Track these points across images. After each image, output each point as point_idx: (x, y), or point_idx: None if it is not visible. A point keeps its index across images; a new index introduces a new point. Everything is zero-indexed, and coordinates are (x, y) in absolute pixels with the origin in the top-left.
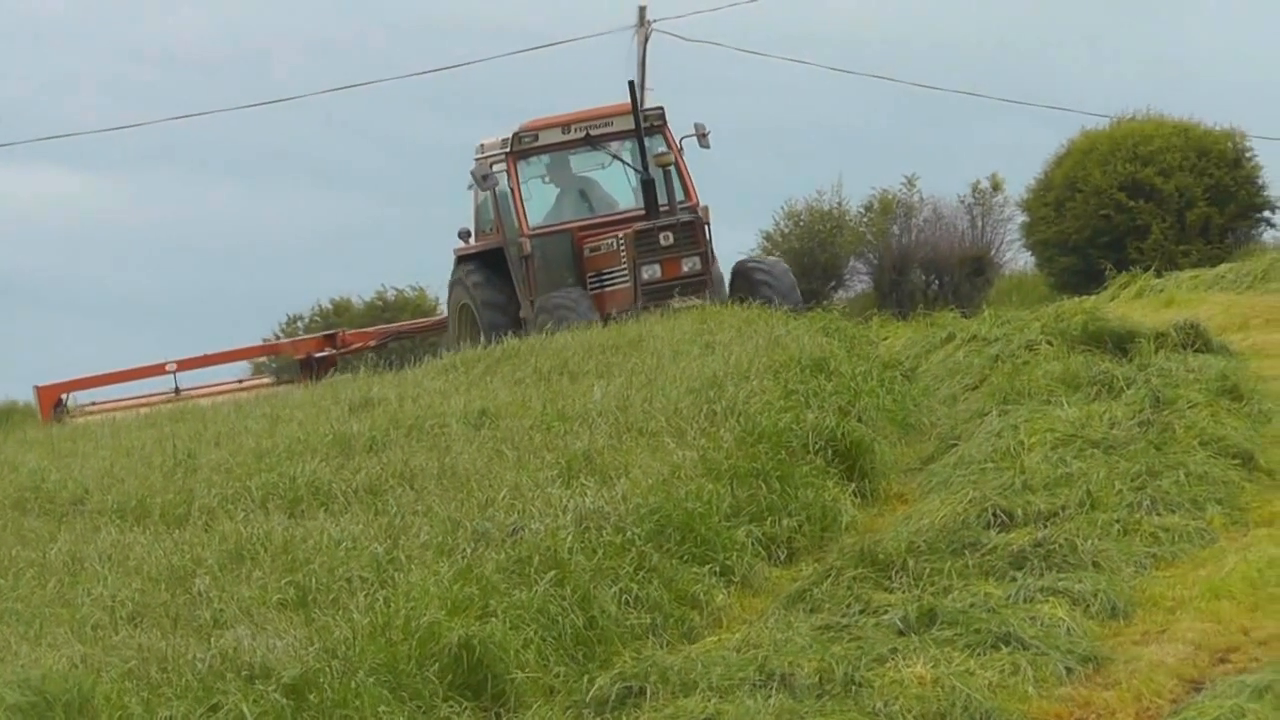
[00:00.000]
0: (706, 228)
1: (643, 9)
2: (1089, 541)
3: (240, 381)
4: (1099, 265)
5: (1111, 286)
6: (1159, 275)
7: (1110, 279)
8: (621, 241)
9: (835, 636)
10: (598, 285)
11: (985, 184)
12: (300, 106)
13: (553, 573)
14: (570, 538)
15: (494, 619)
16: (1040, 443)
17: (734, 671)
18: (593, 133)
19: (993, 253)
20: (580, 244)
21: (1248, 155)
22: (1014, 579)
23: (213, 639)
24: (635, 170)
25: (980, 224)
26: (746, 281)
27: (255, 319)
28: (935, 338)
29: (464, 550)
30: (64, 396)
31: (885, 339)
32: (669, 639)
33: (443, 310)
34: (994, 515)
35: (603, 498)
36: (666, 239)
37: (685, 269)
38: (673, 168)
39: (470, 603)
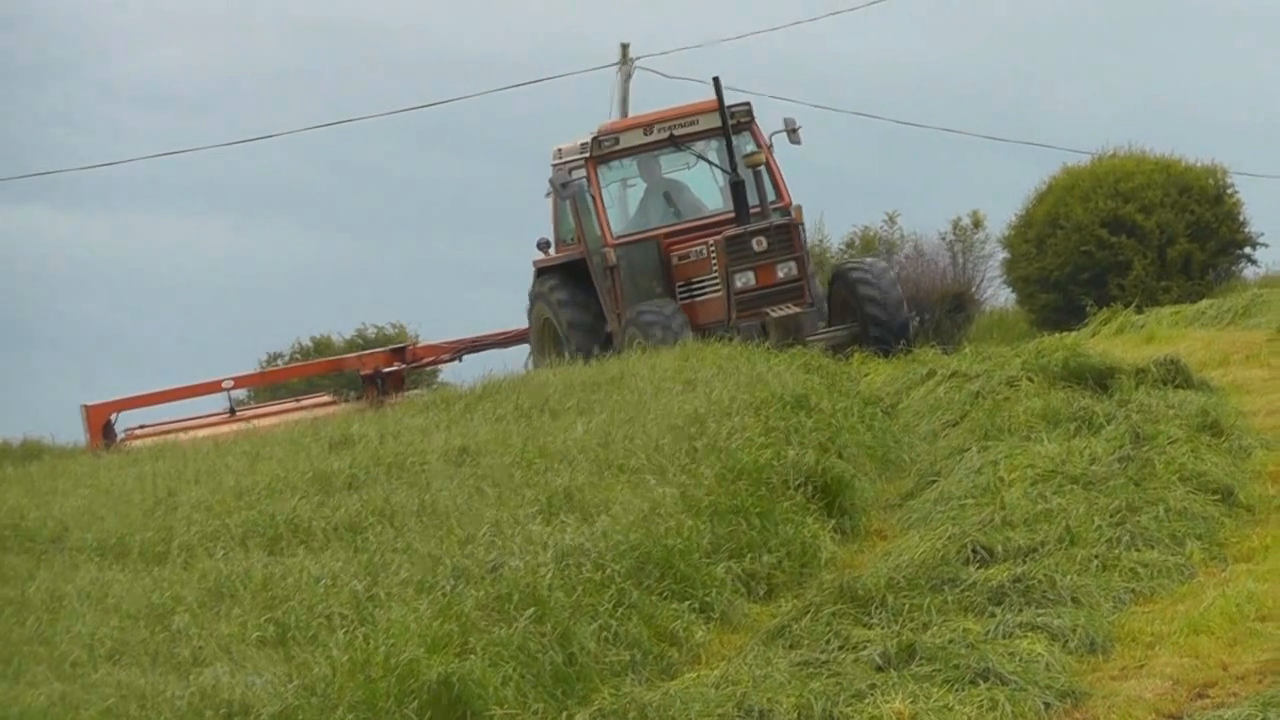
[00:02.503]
0: (801, 230)
1: (625, 46)
2: (1068, 577)
3: (299, 400)
4: (1080, 301)
5: (1092, 323)
6: (1140, 311)
7: (1091, 315)
8: (712, 248)
9: (814, 673)
10: (688, 296)
11: (966, 221)
12: (283, 143)
13: (532, 610)
14: (550, 574)
15: (473, 656)
16: (1020, 479)
17: (713, 708)
18: (676, 133)
19: (974, 289)
20: (668, 252)
21: (1229, 192)
22: (993, 614)
23: (192, 676)
24: (724, 171)
25: (961, 260)
26: (847, 287)
27: (236, 356)
28: (916, 374)
29: (444, 587)
30: (113, 417)
31: (866, 375)
32: (648, 676)
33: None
34: (973, 551)
35: (583, 534)
36: (760, 244)
37: (781, 275)
38: (763, 167)
39: (450, 640)
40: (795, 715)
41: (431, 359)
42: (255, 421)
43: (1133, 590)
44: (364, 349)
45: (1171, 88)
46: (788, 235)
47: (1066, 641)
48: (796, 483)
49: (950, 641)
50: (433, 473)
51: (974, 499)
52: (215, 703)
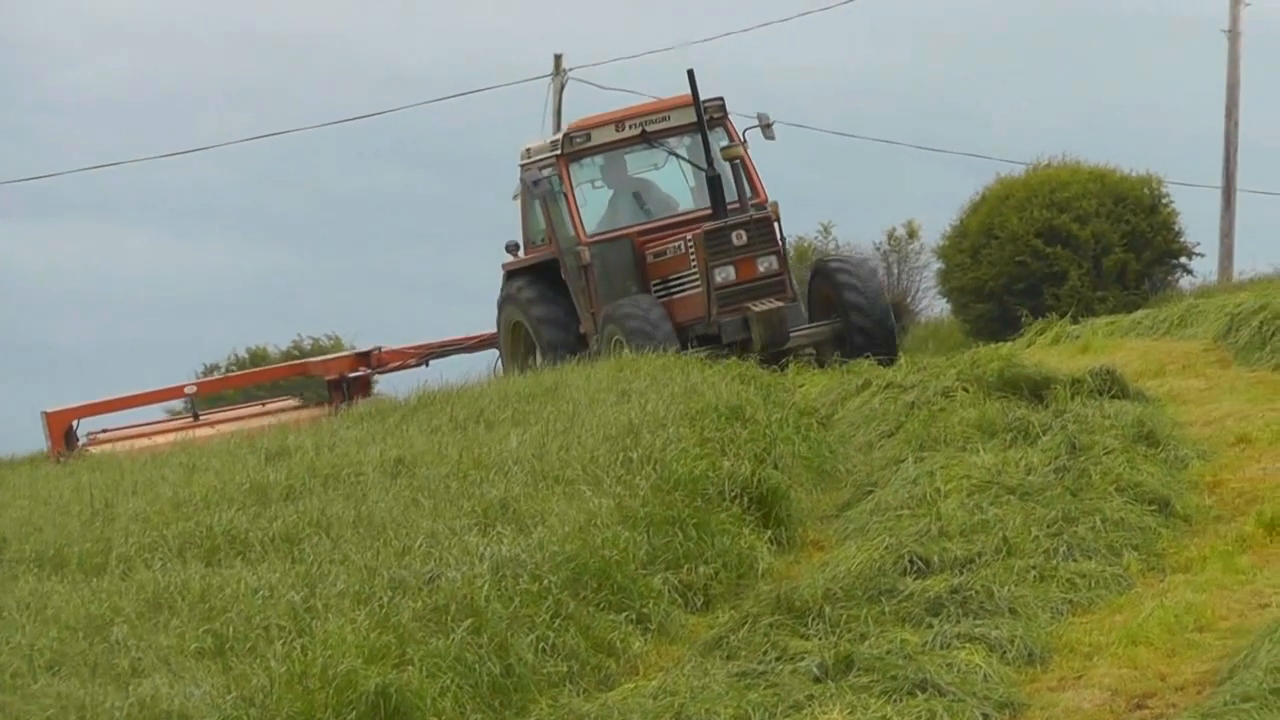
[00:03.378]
0: (778, 225)
1: (558, 57)
2: (1005, 588)
3: (264, 405)
4: (1015, 312)
5: (1028, 333)
6: (1075, 321)
7: (1026, 325)
8: (690, 243)
9: (752, 684)
10: (664, 293)
11: (901, 231)
12: (219, 155)
13: (469, 620)
14: (487, 586)
15: (411, 667)
16: (956, 489)
17: (650, 719)
18: (649, 129)
19: (909, 300)
20: (642, 249)
21: (1164, 201)
22: (930, 625)
23: (131, 687)
24: (698, 167)
25: (896, 271)
26: (828, 282)
27: (171, 368)
28: (851, 385)
29: (381, 598)
30: (75, 423)
31: (801, 386)
32: (586, 687)
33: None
34: (910, 562)
35: (519, 546)
36: (739, 238)
37: (761, 269)
38: (738, 162)
39: (387, 651)
40: None
41: (398, 364)
42: (219, 426)
43: (1070, 601)
44: (300, 360)
45: (1107, 99)
46: (767, 229)
47: (1004, 652)
48: (732, 494)
49: (888, 652)
50: (369, 484)
51: (910, 510)
52: (154, 714)
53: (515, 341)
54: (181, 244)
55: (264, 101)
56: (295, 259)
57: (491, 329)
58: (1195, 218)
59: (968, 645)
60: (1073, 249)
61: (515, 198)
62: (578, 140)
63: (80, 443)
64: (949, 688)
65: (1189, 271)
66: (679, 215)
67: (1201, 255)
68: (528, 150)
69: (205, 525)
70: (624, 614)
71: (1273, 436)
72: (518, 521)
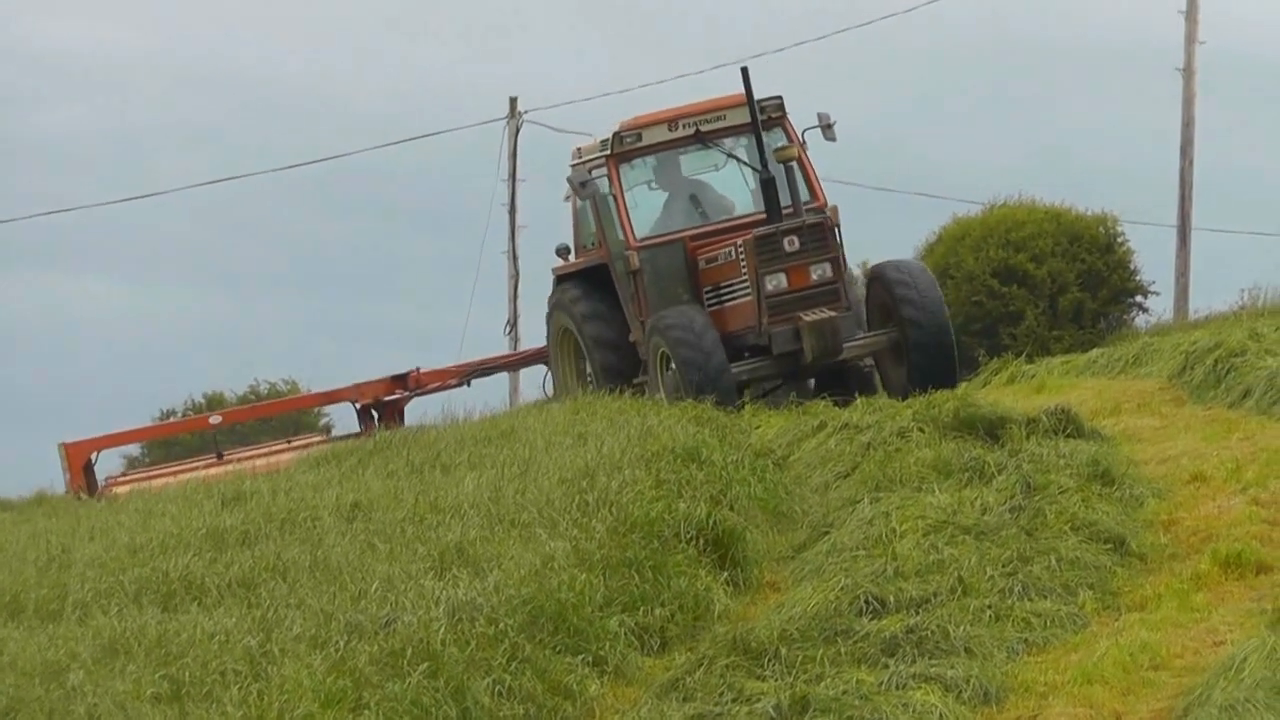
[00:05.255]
0: (837, 230)
1: (514, 100)
2: (961, 627)
3: (289, 441)
4: (971, 351)
5: (984, 373)
6: (1031, 361)
7: (982, 365)
8: (741, 249)
9: None
10: (716, 300)
11: (857, 271)
12: (173, 200)
13: (426, 664)
14: (443, 629)
15: (367, 711)
16: (912, 529)
17: None
18: (703, 128)
19: None
20: (694, 255)
21: (1119, 240)
22: (886, 666)
23: None
24: (753, 169)
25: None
26: (884, 288)
27: (126, 414)
28: (807, 426)
29: (337, 643)
30: (93, 456)
31: (757, 428)
32: None
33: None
34: (866, 602)
35: (475, 589)
36: (792, 244)
37: (814, 277)
38: (795, 165)
39: (344, 695)
40: None
41: (438, 384)
42: (245, 464)
43: (1026, 640)
44: (332, 389)
45: (1063, 138)
46: (822, 235)
47: (960, 692)
48: (688, 536)
49: (844, 693)
50: (325, 528)
51: (866, 550)
52: None
53: (565, 349)
54: (135, 290)
55: (218, 147)
56: (250, 304)
57: (536, 345)
58: (1151, 256)
59: (923, 685)
60: (1029, 288)
61: (566, 199)
62: (628, 140)
63: (102, 484)
64: None
65: (1144, 310)
66: (735, 219)
67: (1157, 294)
68: (578, 150)
69: (162, 571)
70: (580, 657)
71: (1227, 474)
72: (474, 565)
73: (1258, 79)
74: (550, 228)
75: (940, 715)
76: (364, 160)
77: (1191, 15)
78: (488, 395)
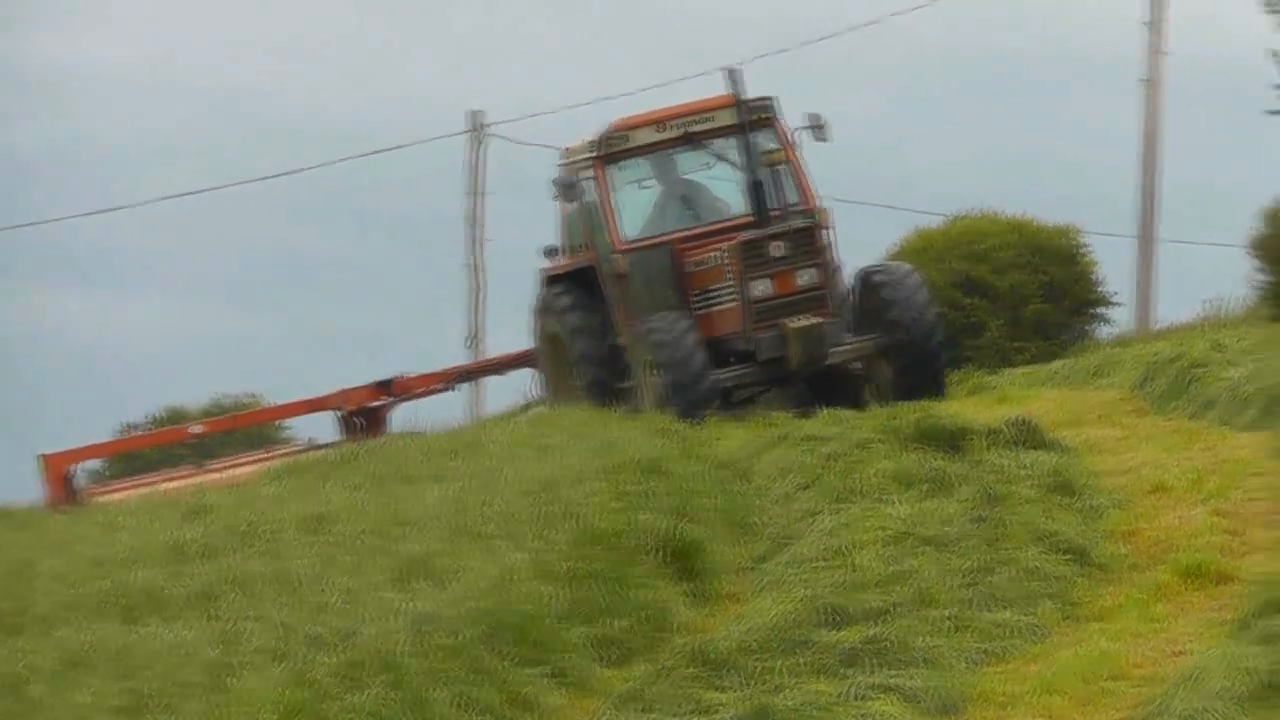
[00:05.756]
0: (825, 233)
1: (477, 113)
2: (921, 638)
3: (269, 451)
4: None
5: (946, 384)
6: (993, 372)
7: (945, 377)
8: (726, 254)
9: None
10: (703, 305)
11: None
12: (138, 213)
13: (386, 676)
14: (404, 641)
15: None
16: (873, 540)
17: None
18: (692, 130)
19: None
20: (682, 258)
21: (1082, 252)
22: (846, 676)
23: None
24: (742, 170)
25: None
26: (871, 292)
27: (90, 426)
28: (769, 437)
29: (298, 655)
30: (73, 468)
31: (719, 439)
32: None
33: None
34: (826, 613)
35: (437, 601)
36: (778, 249)
37: (800, 283)
38: (785, 166)
39: (304, 707)
40: None
41: (422, 390)
42: (227, 474)
43: (986, 651)
44: (315, 397)
45: (1026, 149)
46: (809, 239)
47: (920, 702)
48: (650, 547)
49: (804, 704)
50: (287, 541)
51: (827, 561)
52: None
53: (554, 353)
54: (101, 302)
55: (182, 159)
56: (214, 317)
57: (522, 348)
58: (1114, 267)
59: (884, 696)
60: (991, 300)
61: (554, 199)
62: (616, 142)
63: (82, 491)
64: None
65: (1107, 321)
66: (724, 221)
67: (1120, 305)
68: (566, 150)
69: (123, 583)
70: (541, 668)
71: (1188, 485)
72: (435, 577)
73: (1220, 91)
74: (516, 241)
75: None
76: (331, 173)
77: (1155, 26)
78: (451, 407)
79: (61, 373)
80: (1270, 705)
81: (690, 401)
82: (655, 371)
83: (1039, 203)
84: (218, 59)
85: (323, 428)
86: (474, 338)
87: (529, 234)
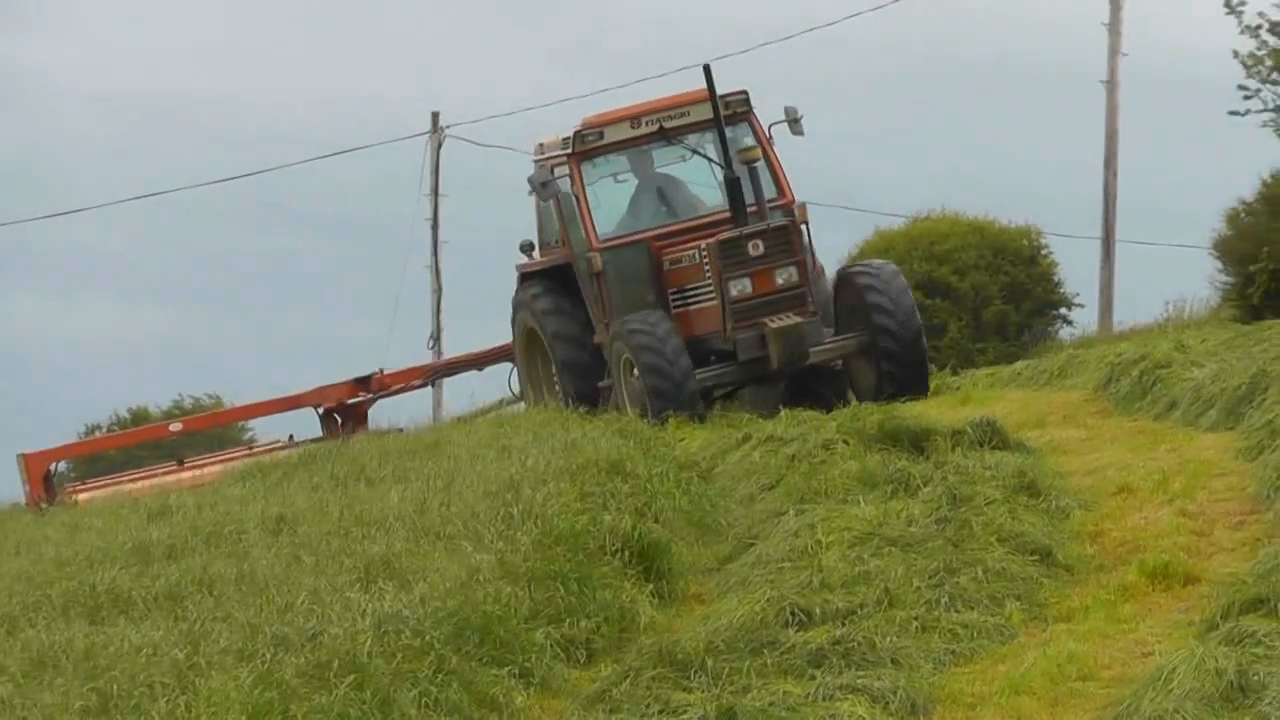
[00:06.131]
0: (804, 229)
1: (435, 115)
2: (888, 639)
3: (250, 448)
4: None
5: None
6: (955, 373)
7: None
8: (705, 253)
9: None
10: (681, 303)
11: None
12: (97, 216)
13: (352, 677)
14: (369, 642)
15: None
16: (838, 541)
17: None
18: (666, 125)
19: None
20: (659, 256)
21: (1043, 253)
22: (813, 677)
23: None
24: (718, 165)
25: None
26: (852, 291)
27: (51, 430)
28: (732, 438)
29: (264, 655)
30: (53, 467)
31: (682, 440)
32: None
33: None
34: (792, 614)
35: (401, 602)
36: (756, 248)
37: (779, 282)
38: (761, 162)
39: (270, 707)
40: None
41: (400, 386)
42: (207, 470)
43: (953, 651)
44: (293, 394)
45: (987, 151)
46: (787, 238)
47: (887, 703)
48: (614, 548)
49: (770, 704)
50: (251, 542)
51: (792, 562)
52: None
53: (531, 349)
54: (60, 305)
55: (141, 162)
56: (174, 319)
57: (501, 342)
58: (1075, 269)
59: (850, 696)
60: (952, 301)
61: (529, 194)
62: (590, 138)
63: (63, 490)
64: None
65: (1069, 322)
66: (701, 217)
67: (1081, 306)
68: (540, 146)
69: (89, 584)
70: (506, 668)
71: (1154, 486)
72: (399, 578)
73: (1179, 92)
74: (473, 242)
75: None
76: (288, 175)
77: (1114, 28)
78: (412, 408)
79: (19, 375)
80: (1238, 706)
81: (673, 405)
82: (635, 371)
83: (1000, 205)
84: (169, 63)
85: (298, 426)
86: (435, 338)
87: (483, 236)
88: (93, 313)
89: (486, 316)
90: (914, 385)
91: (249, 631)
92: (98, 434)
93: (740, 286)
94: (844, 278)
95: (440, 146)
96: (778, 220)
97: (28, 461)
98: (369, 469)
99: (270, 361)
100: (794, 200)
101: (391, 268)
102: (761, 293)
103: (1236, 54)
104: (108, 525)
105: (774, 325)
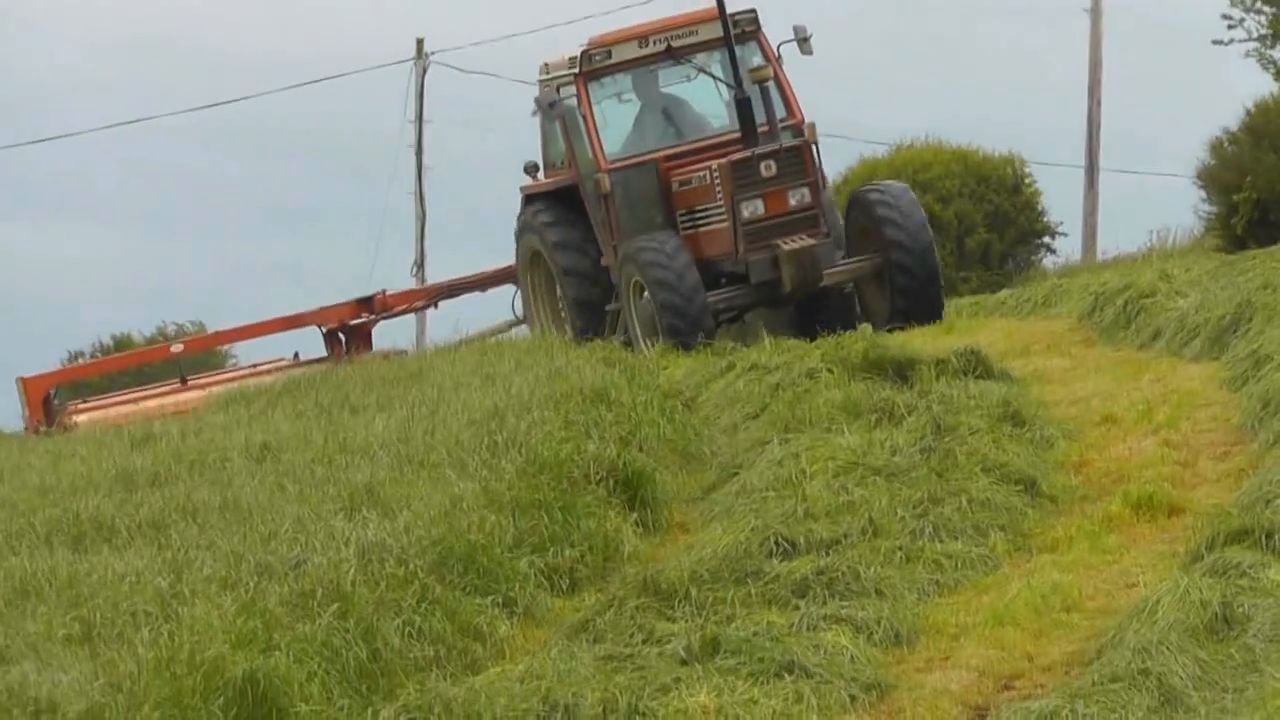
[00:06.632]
0: (814, 150)
1: (420, 41)
2: (871, 569)
3: (255, 366)
4: None
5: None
6: None
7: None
8: (716, 174)
9: (619, 666)
10: (690, 224)
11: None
12: (79, 142)
13: (336, 605)
14: (353, 570)
15: (278, 652)
16: (822, 470)
17: (518, 703)
18: (674, 44)
19: None
20: (667, 177)
21: (1027, 181)
22: (797, 607)
23: None
24: (728, 85)
25: None
26: (864, 213)
27: (30, 356)
28: (715, 367)
29: (247, 584)
30: (53, 390)
31: (665, 368)
32: (453, 670)
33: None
34: (776, 543)
35: (385, 530)
36: (768, 169)
37: (793, 203)
38: (771, 82)
39: (254, 636)
40: (600, 709)
41: (404, 307)
42: (210, 389)
43: (937, 582)
44: (295, 313)
45: (971, 80)
46: (799, 158)
47: (871, 633)
48: (598, 477)
49: (754, 634)
50: (235, 469)
51: (776, 491)
52: (22, 700)
53: (535, 272)
54: (42, 232)
55: (125, 89)
56: (154, 247)
57: (505, 263)
58: (1059, 198)
59: (834, 626)
60: (936, 229)
61: (533, 114)
62: (597, 58)
63: (64, 416)
64: (816, 669)
65: (1052, 251)
66: (710, 137)
67: (1065, 235)
68: (546, 66)
69: (72, 512)
70: (490, 598)
71: (1138, 416)
72: (383, 506)
73: (1165, 22)
74: (456, 168)
75: (851, 657)
76: (270, 102)
77: None
78: (394, 334)
79: None
80: (1223, 638)
81: (684, 323)
82: (644, 293)
83: (984, 133)
84: None
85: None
86: (419, 265)
87: (467, 161)
88: (73, 240)
89: (471, 242)
90: (927, 304)
91: (232, 560)
92: (80, 361)
93: (752, 208)
94: (855, 199)
95: (425, 72)
96: (790, 140)
97: (27, 385)
98: (353, 397)
99: (252, 288)
100: (804, 120)
101: (375, 195)
102: (774, 214)
103: None
104: (91, 453)
105: (787, 247)
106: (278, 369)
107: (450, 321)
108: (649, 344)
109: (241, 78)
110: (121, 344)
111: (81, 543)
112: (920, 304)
